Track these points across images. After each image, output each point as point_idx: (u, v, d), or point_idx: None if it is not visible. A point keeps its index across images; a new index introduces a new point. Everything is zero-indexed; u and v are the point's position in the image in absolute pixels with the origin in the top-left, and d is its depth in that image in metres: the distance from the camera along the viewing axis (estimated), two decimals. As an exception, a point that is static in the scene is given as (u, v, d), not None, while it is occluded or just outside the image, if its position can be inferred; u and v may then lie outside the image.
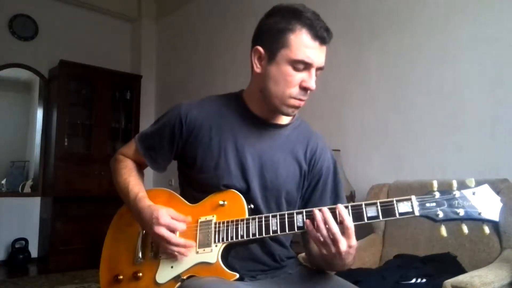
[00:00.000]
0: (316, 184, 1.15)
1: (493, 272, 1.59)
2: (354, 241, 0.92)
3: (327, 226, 0.91)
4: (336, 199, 1.14)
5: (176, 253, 1.02)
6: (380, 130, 2.80)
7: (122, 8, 5.17)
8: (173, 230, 1.02)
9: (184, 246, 1.02)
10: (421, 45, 2.61)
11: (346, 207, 0.93)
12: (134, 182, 1.15)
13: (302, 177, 1.14)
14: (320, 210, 0.94)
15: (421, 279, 1.76)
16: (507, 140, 2.20)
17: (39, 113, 4.65)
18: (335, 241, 0.91)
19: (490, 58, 2.30)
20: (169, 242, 1.01)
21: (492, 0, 2.32)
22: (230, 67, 4.05)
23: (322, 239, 0.92)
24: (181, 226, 1.03)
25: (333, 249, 0.91)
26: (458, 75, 2.43)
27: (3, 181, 4.68)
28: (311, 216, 0.95)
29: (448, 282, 1.49)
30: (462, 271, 1.78)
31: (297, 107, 1.06)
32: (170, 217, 1.03)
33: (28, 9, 4.55)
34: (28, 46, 4.54)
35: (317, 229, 0.92)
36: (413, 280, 1.77)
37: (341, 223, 0.91)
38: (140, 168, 1.24)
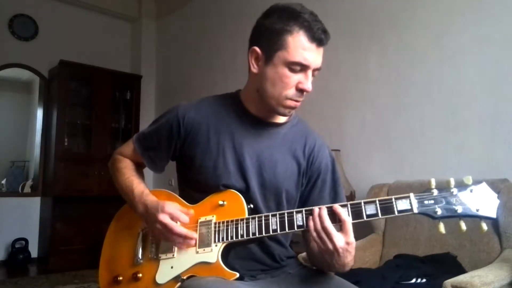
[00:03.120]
0: (314, 181, 1.15)
1: (493, 272, 1.59)
2: (351, 238, 0.93)
3: (321, 221, 0.93)
4: (335, 196, 1.15)
5: (177, 244, 1.03)
6: (380, 130, 2.80)
7: (122, 8, 5.17)
8: (176, 220, 1.03)
9: (185, 237, 1.02)
10: (421, 45, 2.61)
11: (346, 205, 0.94)
12: (138, 181, 1.16)
13: (301, 175, 1.15)
14: (317, 208, 0.96)
15: (421, 279, 1.76)
16: (507, 140, 2.20)
17: (39, 113, 4.65)
18: (330, 236, 0.92)
19: (490, 58, 2.30)
20: (170, 231, 1.01)
21: (492, 0, 2.32)
22: (230, 67, 4.04)
23: (316, 234, 0.93)
24: (184, 218, 1.04)
25: (330, 245, 0.92)
26: (458, 75, 2.43)
27: (3, 181, 4.68)
28: (310, 214, 0.96)
29: (448, 282, 1.49)
30: (462, 271, 1.78)
31: (293, 108, 1.07)
32: (175, 208, 1.04)
33: (28, 9, 4.55)
34: (28, 46, 4.54)
35: (313, 225, 0.94)
36: (413, 280, 1.77)
37: (339, 221, 0.93)
38: (139, 167, 1.24)
